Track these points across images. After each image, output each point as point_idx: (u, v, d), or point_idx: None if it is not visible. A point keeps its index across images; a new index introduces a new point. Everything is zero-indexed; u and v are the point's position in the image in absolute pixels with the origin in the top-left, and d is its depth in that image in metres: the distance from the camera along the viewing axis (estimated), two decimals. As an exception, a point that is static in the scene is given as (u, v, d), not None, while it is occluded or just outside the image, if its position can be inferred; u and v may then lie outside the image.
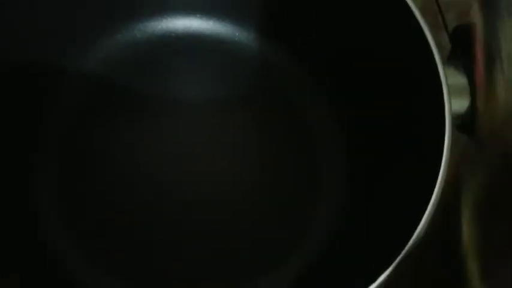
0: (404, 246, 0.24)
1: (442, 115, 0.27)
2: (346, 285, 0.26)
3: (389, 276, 0.24)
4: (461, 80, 0.29)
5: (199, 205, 0.35)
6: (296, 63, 0.38)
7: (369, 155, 0.34)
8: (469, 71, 0.29)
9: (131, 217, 0.34)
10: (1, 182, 0.33)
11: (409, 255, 0.24)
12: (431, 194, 0.26)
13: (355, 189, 0.34)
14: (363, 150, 0.34)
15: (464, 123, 0.29)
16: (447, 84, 0.27)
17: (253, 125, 0.37)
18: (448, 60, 0.30)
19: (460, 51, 0.30)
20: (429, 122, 0.28)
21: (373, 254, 0.27)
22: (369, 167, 0.34)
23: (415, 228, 0.25)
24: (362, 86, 0.35)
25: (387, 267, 0.24)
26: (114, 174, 0.35)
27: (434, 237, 0.26)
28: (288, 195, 0.35)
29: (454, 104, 0.28)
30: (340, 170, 0.35)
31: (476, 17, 0.26)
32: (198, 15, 0.38)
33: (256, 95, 0.38)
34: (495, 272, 0.21)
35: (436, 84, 0.28)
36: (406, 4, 0.30)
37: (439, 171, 0.26)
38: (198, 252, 0.34)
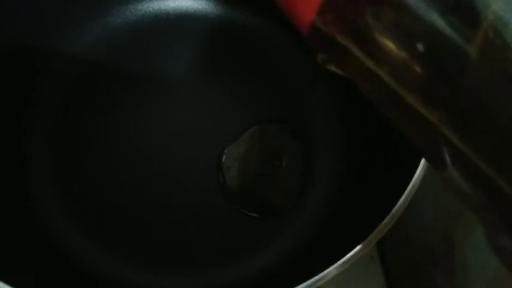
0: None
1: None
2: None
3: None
4: None
5: (191, 182, 0.35)
6: (293, 43, 0.38)
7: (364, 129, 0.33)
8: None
9: (126, 195, 0.34)
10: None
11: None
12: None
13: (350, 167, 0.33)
14: (359, 123, 0.34)
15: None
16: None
17: (247, 99, 0.37)
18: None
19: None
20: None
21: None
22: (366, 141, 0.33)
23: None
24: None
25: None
26: (109, 152, 0.35)
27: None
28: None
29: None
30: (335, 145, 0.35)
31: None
32: (189, -5, 0.38)
33: (249, 70, 0.38)
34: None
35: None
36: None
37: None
38: (194, 231, 0.34)
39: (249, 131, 0.36)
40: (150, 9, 0.38)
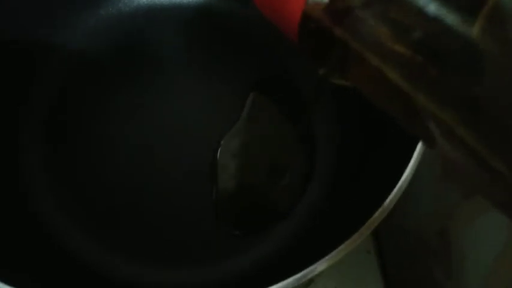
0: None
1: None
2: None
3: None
4: None
5: (187, 177, 0.34)
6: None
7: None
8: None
9: (122, 190, 0.34)
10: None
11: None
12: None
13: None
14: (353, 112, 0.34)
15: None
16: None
17: (244, 90, 0.36)
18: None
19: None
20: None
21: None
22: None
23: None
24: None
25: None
26: (104, 146, 0.35)
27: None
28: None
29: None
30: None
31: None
32: (182, -15, 0.38)
33: (247, 61, 0.37)
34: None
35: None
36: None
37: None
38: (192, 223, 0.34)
39: (242, 121, 0.35)
40: (144, 0, 0.38)
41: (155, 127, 0.35)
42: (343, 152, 0.34)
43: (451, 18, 0.16)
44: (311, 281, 0.32)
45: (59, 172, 0.34)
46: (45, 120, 0.35)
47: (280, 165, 0.35)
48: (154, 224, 0.33)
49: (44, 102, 0.36)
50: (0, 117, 0.34)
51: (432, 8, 0.16)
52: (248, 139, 0.35)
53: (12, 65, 0.35)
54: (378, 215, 0.23)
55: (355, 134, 0.34)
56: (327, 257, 0.23)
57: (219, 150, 0.35)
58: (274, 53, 0.37)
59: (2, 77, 0.34)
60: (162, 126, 0.35)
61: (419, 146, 0.25)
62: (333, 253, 0.23)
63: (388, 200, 0.24)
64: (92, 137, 0.35)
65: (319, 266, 0.23)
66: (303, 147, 0.36)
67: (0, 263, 0.25)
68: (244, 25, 0.38)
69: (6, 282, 0.22)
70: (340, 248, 0.23)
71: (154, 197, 0.34)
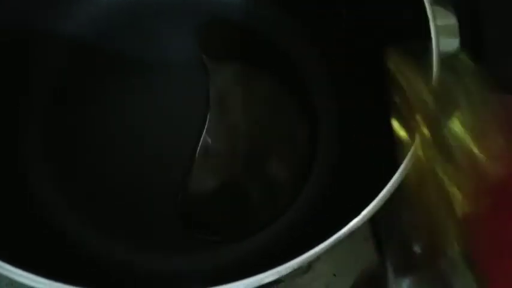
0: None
1: (431, 54, 0.26)
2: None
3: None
4: (450, 20, 0.27)
5: (181, 166, 0.34)
6: (296, 26, 0.37)
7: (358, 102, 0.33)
8: (458, 10, 0.27)
9: (117, 177, 0.34)
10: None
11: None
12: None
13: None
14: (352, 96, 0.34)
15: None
16: (436, 25, 0.26)
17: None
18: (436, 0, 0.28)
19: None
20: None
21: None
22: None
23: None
24: (351, 32, 0.34)
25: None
26: (101, 135, 0.35)
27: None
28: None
29: (443, 44, 0.26)
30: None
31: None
32: (181, -24, 0.37)
33: (246, 51, 0.37)
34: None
35: (425, 25, 0.26)
36: None
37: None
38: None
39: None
40: (143, -12, 0.38)
41: (151, 117, 0.35)
42: (344, 138, 0.35)
43: None
44: (309, 267, 0.33)
45: (58, 159, 0.35)
46: (45, 111, 0.35)
47: (272, 157, 0.35)
48: (148, 211, 0.34)
49: (44, 92, 0.36)
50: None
51: None
52: (233, 120, 0.35)
53: (11, 55, 0.35)
54: (377, 202, 0.24)
55: (355, 116, 0.34)
56: (326, 242, 0.23)
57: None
58: (279, 45, 0.38)
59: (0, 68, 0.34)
60: (158, 117, 0.35)
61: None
62: (332, 239, 0.23)
63: (387, 188, 0.24)
64: (92, 127, 0.35)
65: (319, 252, 0.23)
66: (301, 130, 0.35)
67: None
68: (247, 18, 0.38)
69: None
70: (338, 234, 0.23)
71: (154, 196, 0.34)
